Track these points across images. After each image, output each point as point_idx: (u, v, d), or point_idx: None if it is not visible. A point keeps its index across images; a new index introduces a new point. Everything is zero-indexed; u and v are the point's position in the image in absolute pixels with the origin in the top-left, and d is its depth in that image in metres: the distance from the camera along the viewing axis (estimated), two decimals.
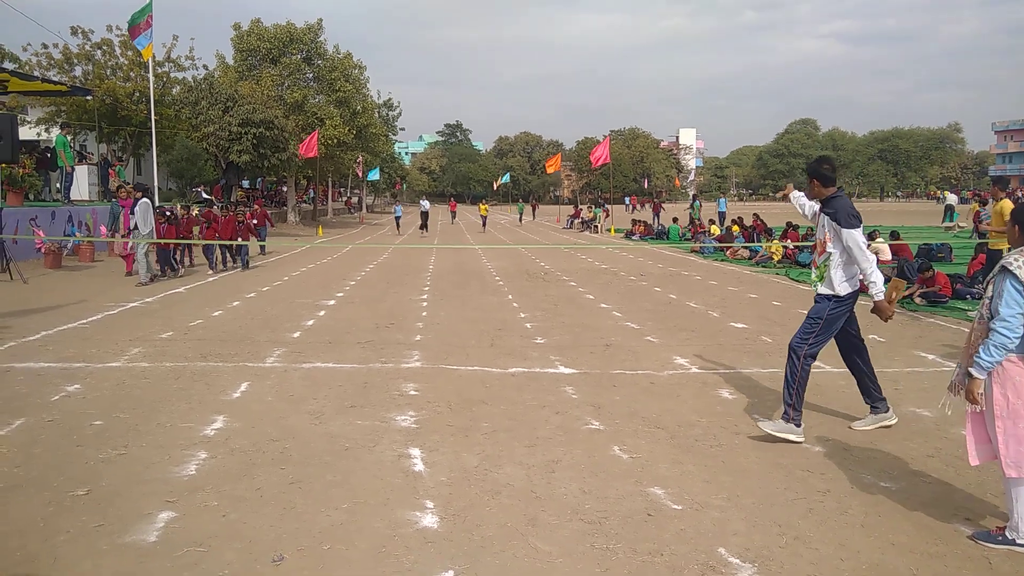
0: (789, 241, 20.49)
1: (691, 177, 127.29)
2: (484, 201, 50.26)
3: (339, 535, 3.96)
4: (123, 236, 16.12)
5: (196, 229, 19.60)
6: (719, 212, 37.52)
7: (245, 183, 44.16)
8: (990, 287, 3.92)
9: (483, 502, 4.40)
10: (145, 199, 14.97)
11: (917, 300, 11.81)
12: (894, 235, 18.98)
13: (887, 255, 18.07)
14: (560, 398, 6.63)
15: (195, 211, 22.27)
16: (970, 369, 3.89)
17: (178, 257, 16.77)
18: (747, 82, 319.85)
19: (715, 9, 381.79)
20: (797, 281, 15.70)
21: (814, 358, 5.56)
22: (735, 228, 25.88)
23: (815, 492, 4.56)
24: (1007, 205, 10.51)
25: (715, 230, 27.36)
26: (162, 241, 15.23)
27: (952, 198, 38.68)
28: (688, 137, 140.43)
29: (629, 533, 4.00)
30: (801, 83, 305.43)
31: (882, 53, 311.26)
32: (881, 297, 5.44)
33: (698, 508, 4.33)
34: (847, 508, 4.33)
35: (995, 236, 10.92)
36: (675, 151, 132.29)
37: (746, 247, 21.52)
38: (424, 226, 36.70)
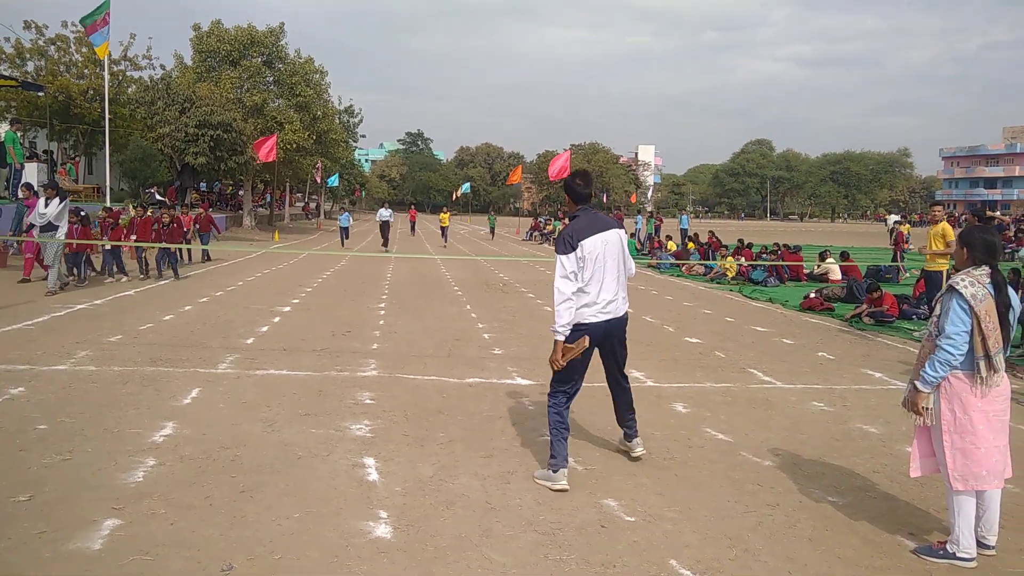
0: (743, 258, 20.85)
1: (649, 193, 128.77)
2: (445, 210, 42.69)
3: (290, 544, 3.91)
4: (24, 236, 14.33)
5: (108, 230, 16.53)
6: (681, 229, 37.59)
7: (203, 186, 43.42)
8: (938, 306, 4.05)
9: (438, 512, 4.39)
10: (64, 197, 13.83)
11: (865, 320, 12.10)
12: (844, 256, 19.44)
13: (837, 275, 18.53)
14: (517, 409, 6.64)
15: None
16: (915, 383, 4.03)
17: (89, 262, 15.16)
18: (707, 101, 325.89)
19: (679, 28, 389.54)
20: (750, 298, 15.98)
21: (559, 400, 4.98)
22: (690, 245, 26.26)
23: (765, 506, 4.64)
24: (947, 228, 10.78)
25: (672, 246, 27.71)
26: (81, 241, 14.63)
27: (893, 219, 39.66)
28: (647, 153, 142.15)
29: (582, 545, 4.03)
30: (759, 104, 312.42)
31: (837, 78, 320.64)
32: (560, 339, 4.82)
33: (651, 520, 4.38)
34: (796, 522, 4.42)
35: (932, 258, 11.13)
36: (634, 167, 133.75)
37: (701, 263, 21.83)
38: (385, 241, 30.22)
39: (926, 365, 3.97)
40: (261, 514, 4.25)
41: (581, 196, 5.04)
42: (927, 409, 4.01)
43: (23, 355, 7.97)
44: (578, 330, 4.86)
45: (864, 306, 12.46)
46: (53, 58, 32.01)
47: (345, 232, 33.56)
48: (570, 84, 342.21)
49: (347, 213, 35.66)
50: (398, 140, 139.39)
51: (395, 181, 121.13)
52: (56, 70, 31.65)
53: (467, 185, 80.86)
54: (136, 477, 4.72)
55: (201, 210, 22.90)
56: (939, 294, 4.11)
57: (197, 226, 21.16)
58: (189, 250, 20.32)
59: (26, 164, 22.72)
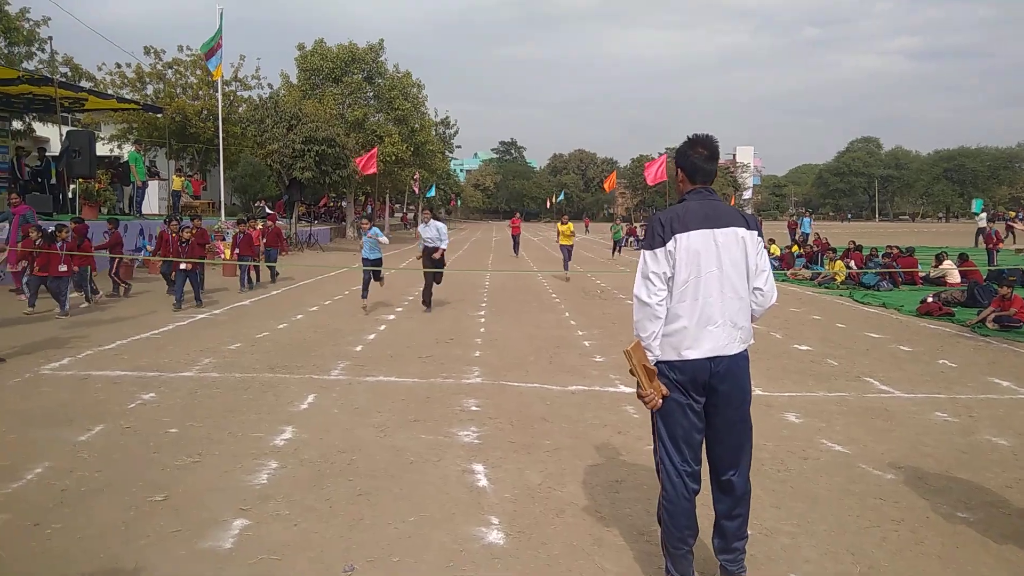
0: (852, 262, 20.05)
1: (747, 195, 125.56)
2: (566, 219, 21.62)
3: (407, 548, 4.01)
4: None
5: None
6: (803, 232, 36.22)
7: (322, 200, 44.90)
8: None
9: (548, 520, 4.41)
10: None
11: (990, 324, 11.42)
12: (963, 258, 18.41)
13: (956, 278, 17.57)
14: (621, 417, 6.59)
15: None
16: None
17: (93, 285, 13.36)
18: (807, 99, 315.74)
19: (774, 26, 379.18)
20: (861, 303, 15.34)
21: (671, 487, 3.58)
22: (794, 248, 25.43)
23: (889, 521, 4.45)
24: None
25: (775, 250, 26.92)
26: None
27: (983, 218, 37.05)
28: (745, 155, 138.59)
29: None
30: (863, 100, 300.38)
31: (948, 69, 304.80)
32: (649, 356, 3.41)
33: (767, 534, 4.27)
34: (922, 538, 4.22)
35: None
36: (732, 169, 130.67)
37: (807, 267, 21.13)
38: (427, 298, 13.63)
39: None
40: (378, 517, 4.38)
41: (699, 171, 3.49)
42: None
43: (152, 362, 8.48)
44: (683, 364, 3.42)
45: (990, 309, 11.76)
46: (170, 81, 33.99)
47: (373, 270, 13.80)
48: (662, 86, 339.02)
49: (372, 230, 14.06)
50: (492, 149, 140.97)
51: (489, 190, 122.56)
52: (173, 92, 33.57)
53: (562, 193, 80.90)
54: (260, 479, 4.94)
55: (269, 223, 19.61)
56: None
57: (264, 240, 18.35)
58: (257, 269, 17.47)
59: (148, 181, 24.23)
